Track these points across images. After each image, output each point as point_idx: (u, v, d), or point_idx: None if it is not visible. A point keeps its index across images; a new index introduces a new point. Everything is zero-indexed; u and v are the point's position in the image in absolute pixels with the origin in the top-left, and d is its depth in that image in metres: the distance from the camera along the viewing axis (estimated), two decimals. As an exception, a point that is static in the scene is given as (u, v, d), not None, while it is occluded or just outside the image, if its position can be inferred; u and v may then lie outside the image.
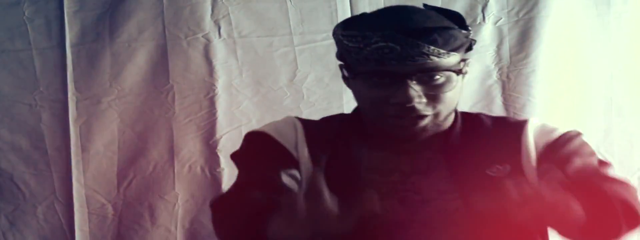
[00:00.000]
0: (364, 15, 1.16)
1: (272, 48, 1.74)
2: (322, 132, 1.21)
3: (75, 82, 1.73)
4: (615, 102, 1.73)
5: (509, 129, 1.20)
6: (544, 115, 1.71)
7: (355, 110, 1.23)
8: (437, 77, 1.07)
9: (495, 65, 1.73)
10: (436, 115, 1.11)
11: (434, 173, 1.15)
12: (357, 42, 1.06)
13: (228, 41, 1.73)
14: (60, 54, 1.73)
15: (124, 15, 1.72)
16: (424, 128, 1.11)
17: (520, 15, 1.71)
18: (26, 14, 1.72)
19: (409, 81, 1.05)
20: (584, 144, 1.18)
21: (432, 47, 1.04)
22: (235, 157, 1.24)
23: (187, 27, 1.72)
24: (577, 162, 1.13)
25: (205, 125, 1.73)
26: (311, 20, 1.74)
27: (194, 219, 1.73)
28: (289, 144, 1.18)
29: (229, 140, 1.72)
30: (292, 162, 1.17)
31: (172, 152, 1.73)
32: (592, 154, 1.18)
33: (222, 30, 1.73)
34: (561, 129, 1.19)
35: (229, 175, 1.71)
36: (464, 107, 1.70)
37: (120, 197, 1.73)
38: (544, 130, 1.18)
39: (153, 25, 1.73)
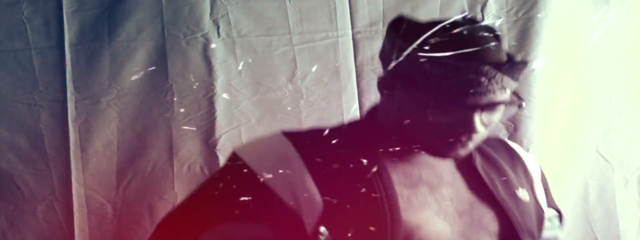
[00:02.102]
0: (426, 29, 1.06)
1: (271, 47, 1.74)
2: (325, 151, 1.11)
3: (74, 81, 1.73)
4: (615, 101, 1.73)
5: (508, 154, 1.25)
6: (543, 114, 1.71)
7: (368, 120, 1.18)
8: (497, 108, 1.05)
9: (494, 64, 1.73)
10: (480, 139, 1.10)
11: (460, 185, 1.15)
12: (445, 70, 0.99)
13: (227, 41, 1.73)
14: (59, 54, 1.73)
15: (123, 15, 1.72)
16: (468, 150, 1.10)
17: (520, 15, 1.71)
18: (25, 13, 1.72)
19: (479, 112, 1.03)
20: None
21: (511, 81, 1.01)
22: (214, 176, 1.19)
23: (186, 27, 1.72)
24: None
25: (205, 124, 1.73)
26: (310, 19, 1.74)
27: (193, 218, 1.73)
28: (280, 184, 1.08)
29: (228, 140, 1.72)
30: (276, 209, 1.08)
31: (171, 152, 1.73)
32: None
33: (221, 30, 1.73)
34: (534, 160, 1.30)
35: (228, 175, 1.71)
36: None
37: (119, 196, 1.73)
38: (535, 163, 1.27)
39: (152, 24, 1.72)
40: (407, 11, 1.73)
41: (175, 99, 1.72)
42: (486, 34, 1.06)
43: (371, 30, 1.73)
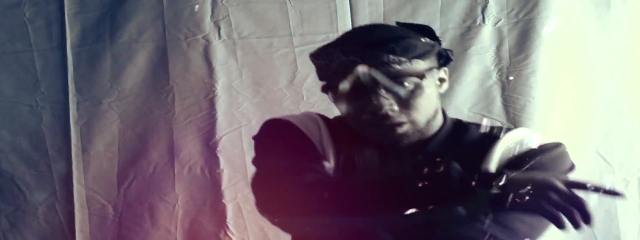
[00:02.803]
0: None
1: (271, 49, 1.74)
2: (340, 131, 1.22)
3: (76, 83, 1.74)
4: (615, 102, 1.73)
5: (490, 139, 1.19)
6: (543, 116, 1.71)
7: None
8: (405, 84, 1.11)
9: (495, 66, 1.73)
10: (413, 122, 1.13)
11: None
12: (323, 59, 1.14)
13: (228, 42, 1.74)
14: (61, 56, 1.74)
15: (124, 17, 1.73)
16: (404, 135, 1.14)
17: (520, 16, 1.71)
18: (27, 15, 1.73)
19: (378, 90, 1.10)
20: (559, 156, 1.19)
21: (392, 56, 1.09)
22: (260, 140, 1.24)
23: (187, 29, 1.73)
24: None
25: (205, 126, 1.73)
26: (311, 21, 1.74)
27: (194, 219, 1.73)
28: (315, 139, 1.20)
29: (228, 141, 1.73)
30: (314, 151, 1.17)
31: (172, 153, 1.73)
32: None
33: (222, 32, 1.73)
34: (520, 140, 1.18)
35: (228, 176, 1.71)
36: (464, 108, 1.72)
37: (120, 198, 1.74)
38: (509, 142, 1.18)
39: (153, 26, 1.73)
40: (407, 13, 1.74)
41: (176, 100, 1.73)
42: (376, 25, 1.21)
43: (372, 31, 1.73)
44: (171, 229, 1.73)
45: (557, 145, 1.19)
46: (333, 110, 1.70)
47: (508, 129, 1.21)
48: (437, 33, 1.18)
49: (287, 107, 1.73)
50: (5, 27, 1.73)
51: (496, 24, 1.73)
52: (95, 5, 1.74)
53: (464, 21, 1.73)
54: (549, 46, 1.71)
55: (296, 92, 1.74)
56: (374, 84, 1.10)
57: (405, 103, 1.12)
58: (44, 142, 1.74)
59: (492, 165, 1.15)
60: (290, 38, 1.74)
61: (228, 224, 1.70)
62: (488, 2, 1.72)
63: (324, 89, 1.20)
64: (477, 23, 1.73)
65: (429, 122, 1.17)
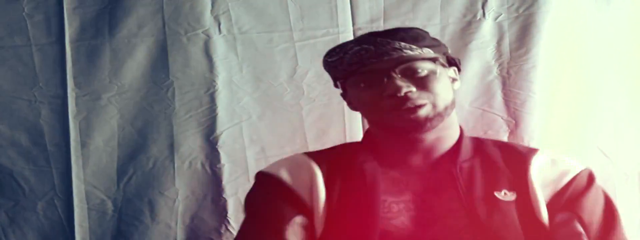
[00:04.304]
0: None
1: (272, 44, 1.74)
2: (335, 160, 1.25)
3: (75, 78, 1.73)
4: (616, 97, 1.73)
5: (517, 160, 1.24)
6: (544, 111, 1.71)
7: (366, 133, 1.29)
8: (419, 69, 1.16)
9: (495, 61, 1.73)
10: (433, 105, 1.16)
11: (444, 192, 1.17)
12: (337, 54, 1.19)
13: (228, 37, 1.73)
14: (59, 50, 1.73)
15: (123, 11, 1.72)
16: (427, 118, 1.16)
17: (521, 11, 1.71)
18: (25, 10, 1.72)
19: (394, 74, 1.14)
20: (596, 195, 1.23)
21: (403, 43, 1.15)
22: (248, 200, 1.28)
23: (187, 23, 1.72)
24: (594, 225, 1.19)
25: (206, 121, 1.73)
26: (311, 16, 1.74)
27: (195, 215, 1.72)
28: (302, 189, 1.21)
29: (229, 136, 1.72)
30: (303, 211, 1.19)
31: (172, 148, 1.72)
32: (603, 207, 1.24)
33: (222, 26, 1.73)
34: (566, 171, 1.23)
35: (229, 171, 1.71)
36: (465, 103, 1.72)
37: (120, 193, 1.73)
38: (551, 171, 1.22)
39: (153, 21, 1.72)
40: (408, 8, 1.73)
41: (176, 95, 1.72)
42: None
43: (372, 26, 1.73)
44: (171, 224, 1.72)
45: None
46: (334, 106, 1.71)
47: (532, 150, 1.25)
48: (437, 28, 1.22)
49: (288, 102, 1.73)
50: (4, 22, 1.72)
51: (497, 18, 1.73)
52: (94, 0, 1.73)
53: (464, 16, 1.73)
54: (550, 41, 1.71)
55: (297, 86, 1.73)
56: (389, 69, 1.14)
57: (423, 85, 1.15)
58: (43, 137, 1.73)
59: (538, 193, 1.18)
60: (290, 33, 1.74)
61: (229, 219, 1.70)
62: (488, -3, 1.72)
63: (341, 87, 1.25)
64: (478, 18, 1.73)
65: (447, 109, 1.18)
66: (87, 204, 1.73)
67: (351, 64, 1.16)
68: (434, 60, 1.18)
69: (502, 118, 1.72)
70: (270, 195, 1.22)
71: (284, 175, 1.23)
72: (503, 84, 1.73)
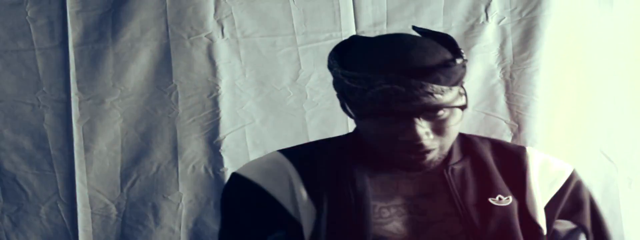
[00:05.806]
0: (358, 47, 1.11)
1: (275, 48, 1.74)
2: (318, 163, 1.18)
3: (78, 82, 1.73)
4: (619, 101, 1.73)
5: (510, 161, 1.21)
6: (547, 114, 1.71)
7: (354, 132, 1.21)
8: (441, 112, 1.07)
9: (498, 64, 1.73)
10: (441, 147, 1.11)
11: (438, 196, 1.15)
12: (360, 83, 1.05)
13: (231, 41, 1.73)
14: (62, 54, 1.73)
15: (126, 15, 1.72)
16: (431, 161, 1.12)
17: (524, 14, 1.71)
18: (29, 14, 1.72)
19: (416, 119, 1.05)
20: (592, 198, 1.27)
21: (436, 86, 1.04)
22: (225, 203, 1.23)
23: (190, 27, 1.72)
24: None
25: (209, 125, 1.73)
26: (314, 20, 1.74)
27: (198, 219, 1.73)
28: (282, 195, 1.16)
29: (232, 140, 1.72)
30: (283, 218, 1.15)
31: (175, 152, 1.72)
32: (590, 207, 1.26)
33: (225, 30, 1.73)
34: (561, 171, 1.22)
35: (232, 175, 1.71)
36: (468, 107, 1.71)
37: (123, 197, 1.73)
38: (547, 172, 1.21)
39: (156, 25, 1.73)
40: (410, 11, 1.73)
41: (179, 99, 1.72)
42: (408, 41, 1.08)
43: (375, 30, 1.73)
44: (175, 229, 1.72)
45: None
46: (336, 109, 1.71)
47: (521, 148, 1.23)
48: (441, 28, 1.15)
49: (291, 106, 1.73)
50: (7, 26, 1.72)
51: (500, 22, 1.73)
52: (97, 4, 1.73)
53: (467, 19, 1.73)
54: (553, 44, 1.71)
55: (300, 90, 1.73)
56: (414, 113, 1.05)
57: (439, 130, 1.08)
58: (46, 141, 1.73)
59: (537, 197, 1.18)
60: (293, 36, 1.74)
61: (232, 223, 1.70)
62: (491, 0, 1.72)
63: (349, 106, 1.12)
64: (481, 21, 1.73)
65: (451, 145, 1.15)
66: (91, 208, 1.73)
67: (374, 101, 1.04)
68: (462, 108, 1.10)
69: (505, 122, 1.72)
70: (249, 201, 1.18)
71: (261, 180, 1.17)
72: (506, 88, 1.73)
